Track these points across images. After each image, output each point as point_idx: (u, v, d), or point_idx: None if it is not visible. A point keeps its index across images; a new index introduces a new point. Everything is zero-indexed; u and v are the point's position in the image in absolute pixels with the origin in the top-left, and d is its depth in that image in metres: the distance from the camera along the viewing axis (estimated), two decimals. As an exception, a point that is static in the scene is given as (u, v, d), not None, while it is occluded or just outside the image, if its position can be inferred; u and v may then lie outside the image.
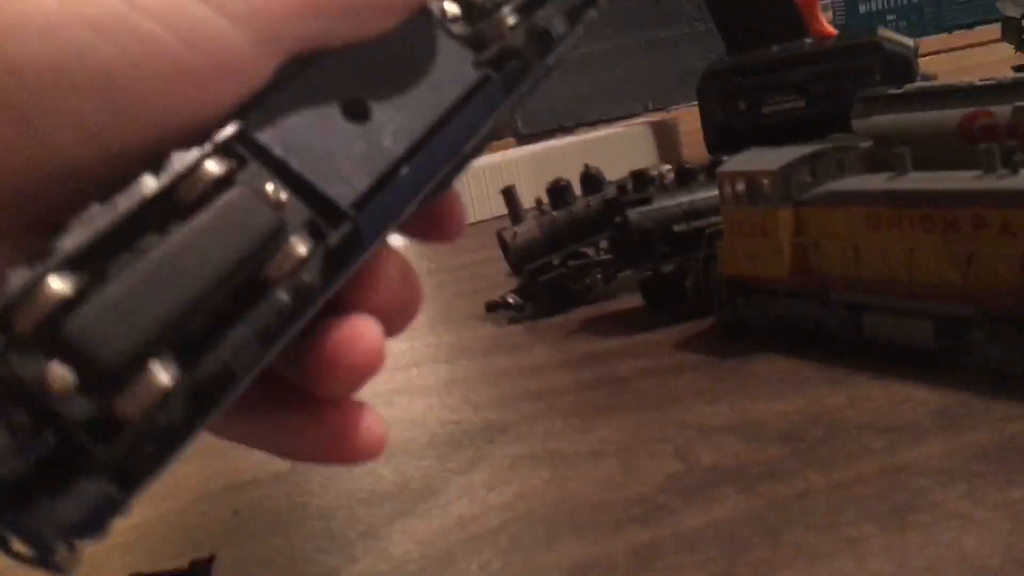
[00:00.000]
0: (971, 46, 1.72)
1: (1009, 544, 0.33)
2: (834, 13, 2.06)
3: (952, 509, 0.36)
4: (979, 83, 0.75)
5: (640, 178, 0.65)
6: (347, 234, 0.22)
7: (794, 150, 0.56)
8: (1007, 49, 1.48)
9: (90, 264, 0.19)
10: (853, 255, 0.51)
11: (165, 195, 0.20)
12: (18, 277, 0.18)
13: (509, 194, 0.77)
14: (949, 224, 0.47)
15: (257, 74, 0.22)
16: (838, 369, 0.51)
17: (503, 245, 0.77)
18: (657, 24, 1.44)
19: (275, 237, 0.21)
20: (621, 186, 0.66)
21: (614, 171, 1.14)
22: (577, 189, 0.77)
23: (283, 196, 0.21)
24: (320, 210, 0.22)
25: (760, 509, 0.38)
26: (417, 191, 0.24)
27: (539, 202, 0.77)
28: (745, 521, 0.38)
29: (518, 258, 0.75)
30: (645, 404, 0.52)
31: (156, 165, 0.20)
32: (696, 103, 1.12)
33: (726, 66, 1.10)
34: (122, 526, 0.47)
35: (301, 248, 0.21)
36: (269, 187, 0.21)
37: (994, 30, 1.67)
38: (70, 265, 0.19)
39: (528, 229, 0.75)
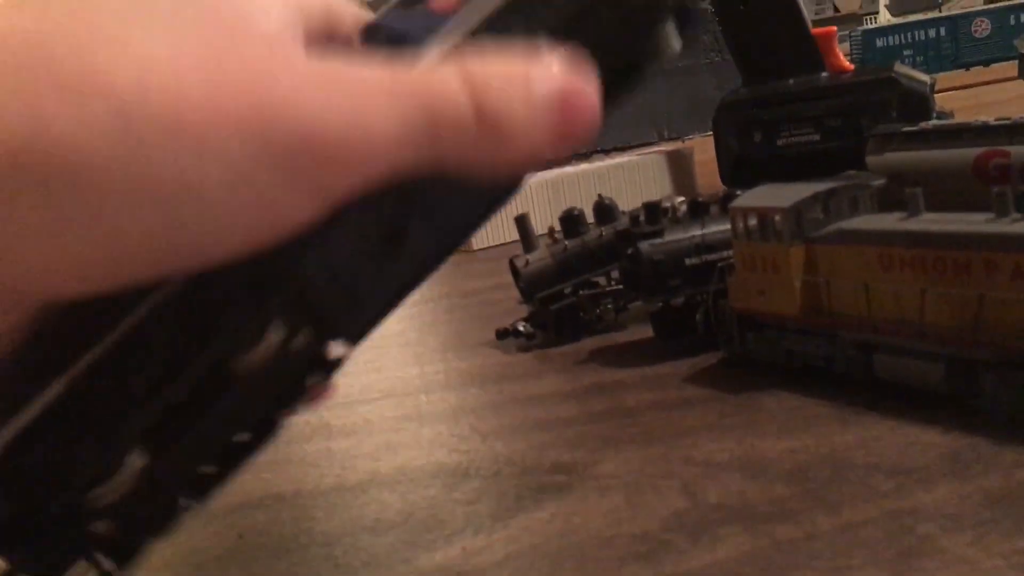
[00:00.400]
0: (988, 83, 1.72)
1: (1016, 594, 0.32)
2: (851, 47, 2.07)
3: (959, 556, 0.35)
4: (994, 122, 0.75)
5: (653, 210, 0.65)
6: (341, 362, 0.24)
7: (807, 187, 0.56)
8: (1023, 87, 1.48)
9: (155, 437, 0.21)
10: (864, 294, 0.51)
11: (221, 362, 0.21)
12: (95, 454, 0.20)
13: (522, 222, 0.77)
14: (961, 267, 0.46)
15: (308, 216, 0.21)
16: (848, 408, 0.51)
17: (515, 272, 0.77)
18: (674, 54, 1.45)
19: (296, 393, 0.23)
20: (634, 217, 0.67)
21: (628, 199, 1.14)
22: (590, 218, 0.77)
23: (304, 342, 0.22)
24: (325, 348, 0.23)
25: (765, 550, 0.38)
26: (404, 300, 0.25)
27: (552, 230, 0.77)
28: (749, 562, 0.37)
29: (529, 286, 0.75)
30: (652, 438, 0.52)
31: (213, 323, 0.21)
32: (711, 133, 1.12)
33: (742, 97, 1.10)
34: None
35: (311, 382, 0.23)
36: (299, 339, 0.22)
37: (1011, 67, 1.67)
38: (142, 441, 0.21)
39: (540, 257, 0.75)
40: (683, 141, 1.42)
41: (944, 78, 1.59)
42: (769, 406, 0.54)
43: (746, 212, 0.57)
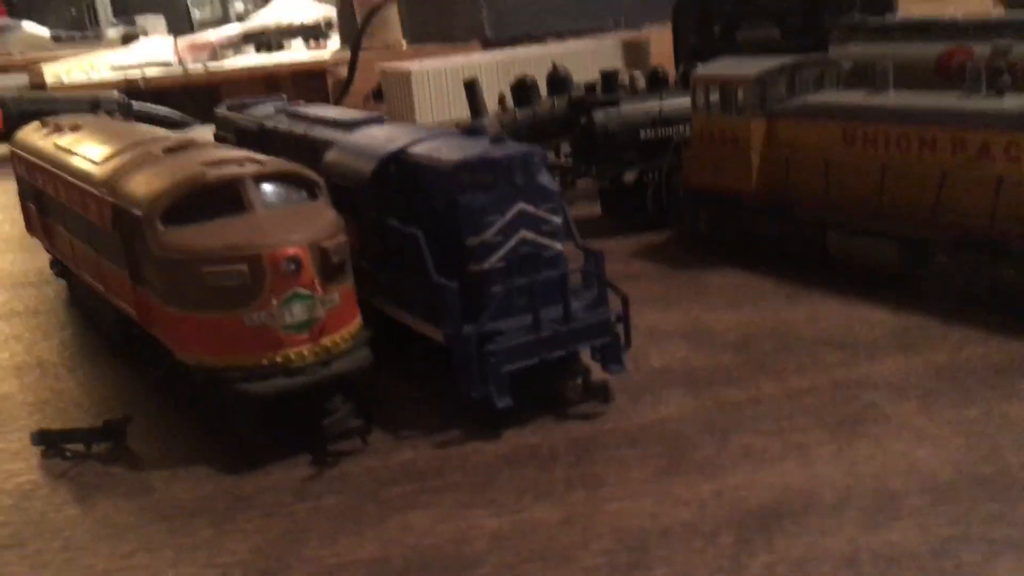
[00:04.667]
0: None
1: (961, 459, 0.32)
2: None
3: (904, 422, 0.35)
4: (961, 20, 0.74)
5: (610, 80, 0.63)
6: None
7: (773, 60, 0.54)
8: None
9: None
10: (823, 171, 0.50)
11: None
12: None
13: (471, 88, 0.74)
14: (926, 143, 0.46)
15: None
16: (798, 286, 0.50)
17: (461, 142, 0.74)
18: (635, -59, 1.39)
19: None
20: (590, 87, 0.64)
21: (582, 82, 1.10)
22: (543, 91, 0.74)
23: None
24: None
25: (708, 411, 0.37)
26: None
27: (502, 98, 0.74)
28: (692, 421, 0.37)
29: (475, 156, 0.72)
30: (596, 306, 0.51)
31: None
32: (669, 25, 1.09)
33: (704, -12, 1.07)
34: (34, 386, 0.45)
35: None
36: None
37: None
38: None
39: (488, 126, 0.72)
40: (639, 31, 1.37)
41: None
42: (717, 282, 0.53)
43: (708, 82, 0.55)
